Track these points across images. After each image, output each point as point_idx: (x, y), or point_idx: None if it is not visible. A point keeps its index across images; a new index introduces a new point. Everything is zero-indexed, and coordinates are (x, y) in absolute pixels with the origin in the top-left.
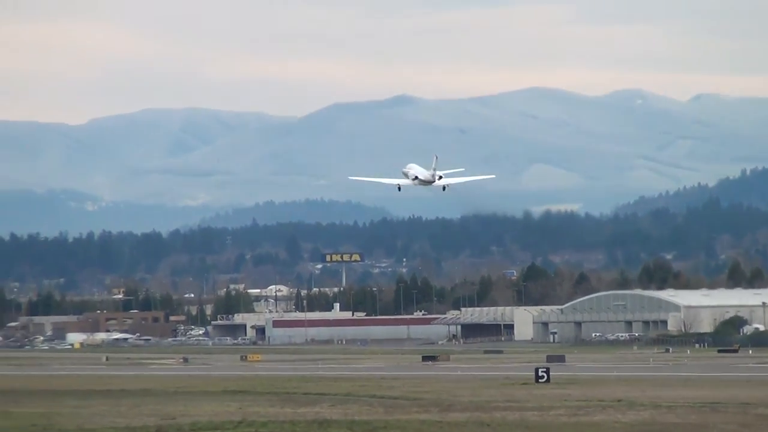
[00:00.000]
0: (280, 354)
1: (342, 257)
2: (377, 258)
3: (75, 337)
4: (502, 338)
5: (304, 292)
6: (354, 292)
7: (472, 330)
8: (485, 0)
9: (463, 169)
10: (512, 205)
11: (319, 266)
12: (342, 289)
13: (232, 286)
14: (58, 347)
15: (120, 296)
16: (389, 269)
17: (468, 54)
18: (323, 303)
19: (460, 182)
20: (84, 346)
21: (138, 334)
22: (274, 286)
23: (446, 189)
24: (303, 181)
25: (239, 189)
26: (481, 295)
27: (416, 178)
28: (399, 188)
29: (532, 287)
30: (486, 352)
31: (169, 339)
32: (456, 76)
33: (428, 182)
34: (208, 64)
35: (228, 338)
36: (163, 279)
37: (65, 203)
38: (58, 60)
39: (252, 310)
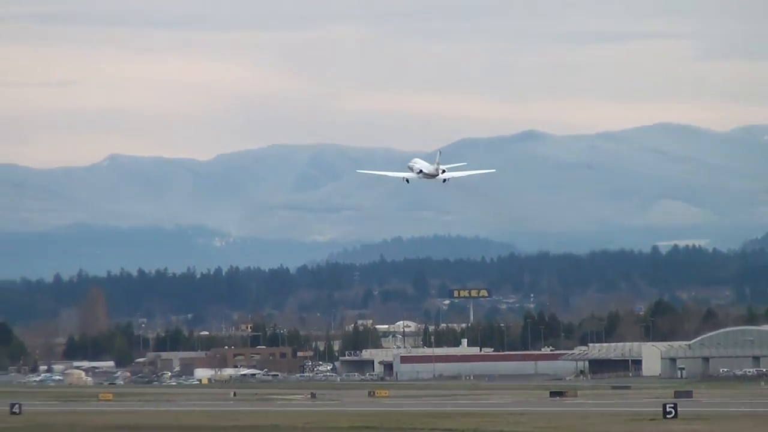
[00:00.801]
0: (408, 390)
1: (470, 293)
2: (505, 293)
3: (203, 373)
4: (630, 374)
5: (431, 328)
6: (481, 327)
7: (599, 365)
8: (611, 37)
9: (464, 164)
10: (639, 241)
11: (447, 302)
12: (469, 324)
13: (359, 322)
14: (186, 383)
15: (248, 332)
16: (517, 305)
17: (595, 90)
18: (451, 339)
19: (462, 176)
20: (212, 382)
21: (266, 370)
22: (401, 321)
23: (446, 182)
24: (430, 216)
25: (367, 224)
26: (609, 331)
27: (421, 171)
28: (407, 181)
29: (660, 323)
30: (614, 387)
31: (297, 375)
32: (583, 111)
33: (432, 176)
34: (335, 100)
35: (356, 374)
36: (290, 315)
37: (193, 239)
38: (186, 96)
39: (380, 346)
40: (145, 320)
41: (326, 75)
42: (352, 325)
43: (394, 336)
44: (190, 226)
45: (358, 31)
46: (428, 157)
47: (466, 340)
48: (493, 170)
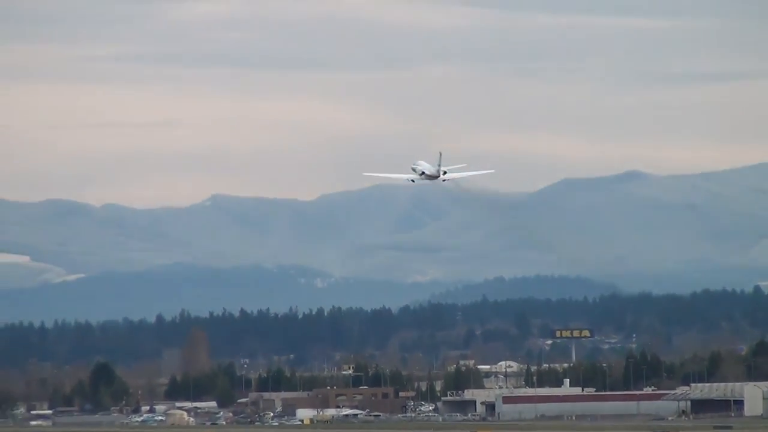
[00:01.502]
0: (510, 430)
1: (572, 333)
2: (607, 333)
3: (305, 413)
4: (732, 414)
5: (533, 368)
6: (583, 367)
7: (701, 406)
8: (713, 77)
9: (464, 165)
10: (741, 281)
11: (549, 342)
12: (572, 364)
13: (461, 362)
14: (288, 423)
15: (350, 372)
16: (618, 345)
17: (696, 130)
18: (553, 379)
19: (463, 176)
20: (314, 423)
21: (368, 410)
22: (503, 362)
23: (446, 180)
24: (532, 256)
25: (469, 264)
26: (711, 371)
27: (423, 173)
28: (413, 181)
29: (762, 363)
30: (716, 428)
31: (399, 415)
32: (684, 151)
33: (434, 177)
34: (436, 140)
35: (458, 414)
36: (392, 355)
37: (295, 279)
38: (288, 136)
39: (482, 386)
40: (247, 360)
41: (427, 115)
42: (454, 365)
43: (496, 376)
44: (292, 266)
45: (459, 71)
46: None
47: (568, 380)
48: (492, 171)
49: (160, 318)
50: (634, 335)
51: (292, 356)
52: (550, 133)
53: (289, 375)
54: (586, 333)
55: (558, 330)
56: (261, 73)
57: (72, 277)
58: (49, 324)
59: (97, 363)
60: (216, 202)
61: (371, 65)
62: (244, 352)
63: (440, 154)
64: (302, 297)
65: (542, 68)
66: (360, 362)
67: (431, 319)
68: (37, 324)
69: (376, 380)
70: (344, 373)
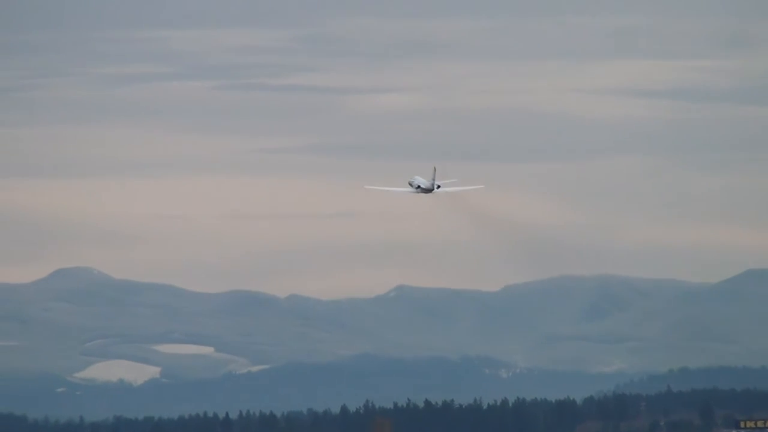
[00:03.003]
0: None
1: (756, 423)
2: None
3: None
4: None
5: None
6: None
7: None
8: None
9: (456, 180)
10: None
11: None
12: None
13: None
14: None
15: None
16: None
17: None
18: None
19: (455, 190)
20: None
21: None
22: None
23: (439, 190)
24: (717, 347)
25: (653, 355)
26: None
27: (419, 186)
28: (416, 190)
29: None
30: None
31: None
32: None
33: (429, 190)
34: (620, 231)
35: None
36: None
37: (479, 369)
38: (472, 227)
39: None
40: None
41: (612, 206)
42: None
43: None
44: (476, 357)
45: (640, 162)
46: None
47: None
48: (482, 186)
49: (344, 409)
50: None
51: None
52: (733, 224)
53: None
54: None
55: (742, 420)
56: (443, 165)
57: (256, 368)
58: (233, 415)
59: None
60: (401, 293)
61: (553, 157)
62: None
63: (434, 169)
64: (487, 388)
65: (722, 159)
66: None
67: (615, 410)
68: (221, 415)
69: None
70: None
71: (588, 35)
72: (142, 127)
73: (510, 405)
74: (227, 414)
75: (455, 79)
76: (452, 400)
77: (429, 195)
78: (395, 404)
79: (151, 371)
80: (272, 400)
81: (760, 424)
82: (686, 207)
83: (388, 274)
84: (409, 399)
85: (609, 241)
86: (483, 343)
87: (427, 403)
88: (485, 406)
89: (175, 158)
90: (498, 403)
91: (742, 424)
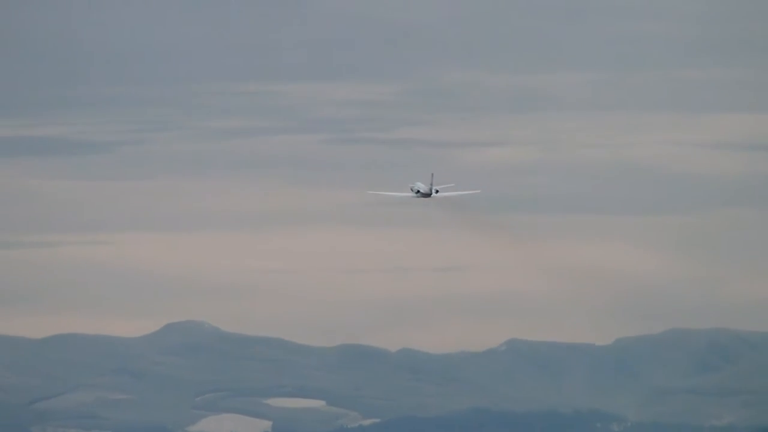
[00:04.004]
0: None
1: None
2: None
3: None
4: None
5: None
6: None
7: None
8: None
9: (453, 185)
10: None
11: None
12: None
13: None
14: None
15: None
16: None
17: None
18: None
19: (452, 195)
20: None
21: None
22: None
23: (437, 195)
24: None
25: (765, 408)
26: None
27: (418, 191)
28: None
29: None
30: None
31: None
32: None
33: (427, 195)
34: (730, 284)
35: None
36: None
37: (591, 423)
38: (582, 280)
39: None
40: None
41: (718, 258)
42: None
43: None
44: (588, 410)
45: (749, 215)
46: None
47: None
48: (478, 191)
49: None
50: None
51: None
52: None
53: None
54: None
55: None
56: (553, 218)
57: (368, 422)
58: None
59: None
60: (512, 346)
61: (663, 209)
62: None
63: (432, 175)
64: None
65: None
66: None
67: None
68: None
69: None
70: None
71: (696, 88)
72: (251, 181)
73: None
74: None
75: (563, 131)
76: None
77: (428, 199)
78: None
79: (263, 425)
80: None
81: None
82: None
83: (500, 327)
84: None
85: (718, 294)
86: (594, 396)
87: None
88: None
89: (283, 211)
90: None
91: None
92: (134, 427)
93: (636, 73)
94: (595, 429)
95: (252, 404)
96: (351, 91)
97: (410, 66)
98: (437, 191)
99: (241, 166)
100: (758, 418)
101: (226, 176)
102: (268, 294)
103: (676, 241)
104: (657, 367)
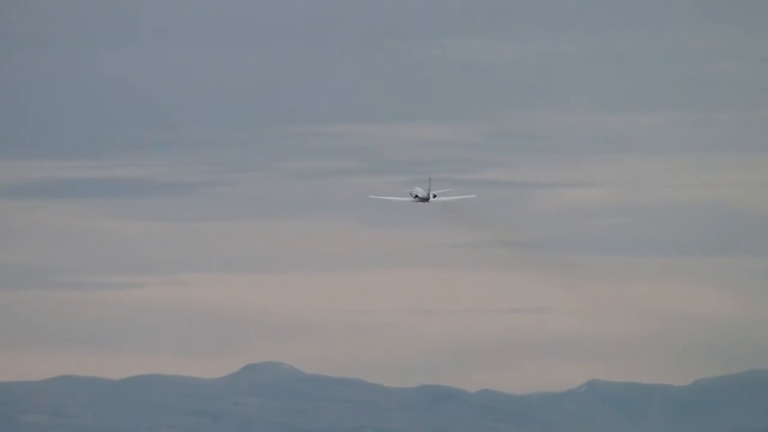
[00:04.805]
0: None
1: None
2: None
3: None
4: None
5: None
6: None
7: None
8: None
9: (449, 189)
10: None
11: None
12: None
13: None
14: None
15: None
16: None
17: None
18: None
19: (448, 200)
20: None
21: None
22: None
23: (434, 199)
24: None
25: None
26: None
27: (417, 196)
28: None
29: None
30: None
31: None
32: None
33: (426, 199)
34: None
35: None
36: None
37: None
38: (663, 321)
39: None
40: None
41: None
42: None
43: None
44: None
45: None
46: None
47: None
48: (474, 196)
49: None
50: None
51: None
52: None
53: None
54: None
55: None
56: (632, 259)
57: None
58: None
59: None
60: (592, 387)
61: (742, 250)
62: None
63: (429, 180)
64: None
65: None
66: None
67: None
68: None
69: None
70: None
71: None
72: (329, 222)
73: None
74: None
75: (642, 172)
76: None
77: (425, 204)
78: None
79: None
80: None
81: None
82: None
83: (579, 368)
84: None
85: None
86: None
87: None
88: None
89: (362, 252)
90: None
91: None
92: None
93: (713, 113)
94: None
95: None
96: (432, 132)
97: (486, 107)
98: (435, 196)
99: (321, 207)
100: None
101: (304, 217)
102: (347, 334)
103: (756, 281)
104: (736, 408)
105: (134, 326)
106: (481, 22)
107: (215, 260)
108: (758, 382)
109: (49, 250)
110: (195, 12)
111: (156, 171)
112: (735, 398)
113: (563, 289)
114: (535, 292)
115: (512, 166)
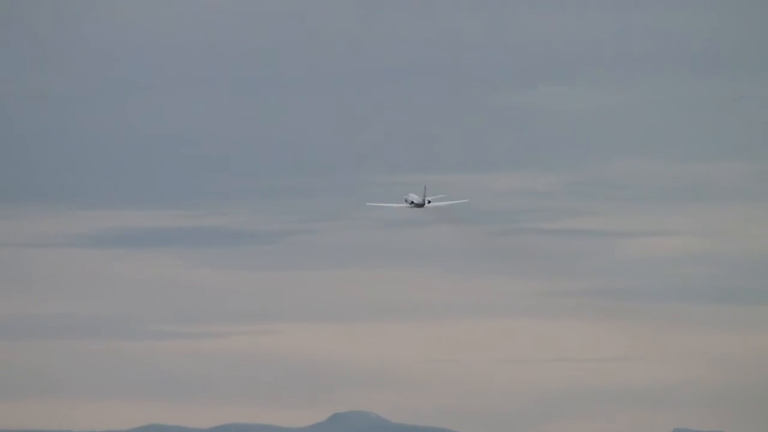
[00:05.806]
0: None
1: None
2: None
3: None
4: None
5: None
6: None
7: None
8: None
9: (444, 195)
10: None
11: None
12: None
13: None
14: None
15: None
16: None
17: None
18: None
19: (442, 205)
20: None
21: None
22: None
23: (429, 204)
24: None
25: None
26: None
27: (412, 202)
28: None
29: None
30: None
31: None
32: None
33: (420, 205)
34: None
35: None
36: None
37: None
38: (748, 371)
39: None
40: None
41: None
42: None
43: None
44: None
45: None
46: None
47: None
48: (467, 200)
49: None
50: None
51: None
52: None
53: None
54: None
55: None
56: (714, 308)
57: None
58: None
59: None
60: None
61: None
62: None
63: (425, 187)
64: None
65: None
66: None
67: None
68: None
69: None
70: None
71: None
72: (416, 270)
73: None
74: None
75: (730, 221)
76: None
77: (421, 209)
78: None
79: None
80: None
81: None
82: None
83: (664, 417)
84: None
85: None
86: None
87: None
88: None
89: (449, 302)
90: None
91: None
92: None
93: None
94: None
95: None
96: (515, 181)
97: (569, 156)
98: (429, 201)
99: (406, 256)
100: None
101: (392, 266)
102: (434, 384)
103: None
104: None
105: (221, 375)
106: (559, 71)
107: (302, 309)
108: None
109: (137, 300)
110: (287, 61)
111: (240, 220)
112: None
113: (647, 338)
114: (619, 341)
115: (597, 215)
